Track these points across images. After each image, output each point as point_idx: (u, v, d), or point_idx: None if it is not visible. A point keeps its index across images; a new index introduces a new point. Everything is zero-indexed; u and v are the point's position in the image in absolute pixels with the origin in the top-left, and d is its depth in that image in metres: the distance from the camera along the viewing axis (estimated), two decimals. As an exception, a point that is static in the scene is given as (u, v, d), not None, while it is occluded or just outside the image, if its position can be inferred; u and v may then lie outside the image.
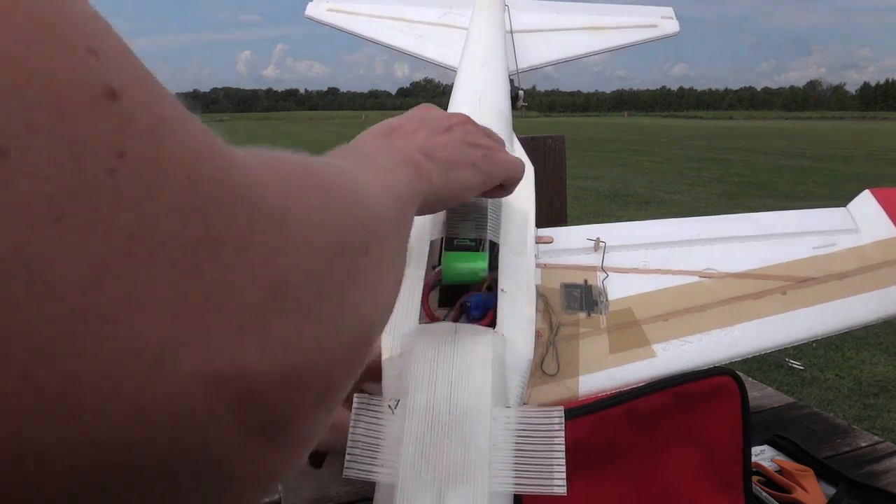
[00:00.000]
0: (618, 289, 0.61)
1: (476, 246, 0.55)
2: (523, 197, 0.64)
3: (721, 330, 0.57)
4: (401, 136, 0.40)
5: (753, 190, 7.21)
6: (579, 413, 0.51)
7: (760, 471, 0.80)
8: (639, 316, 0.58)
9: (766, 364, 2.81)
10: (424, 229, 0.59)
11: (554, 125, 36.40)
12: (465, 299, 0.50)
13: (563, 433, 0.38)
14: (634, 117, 74.95)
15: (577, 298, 0.60)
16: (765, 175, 9.81)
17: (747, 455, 0.59)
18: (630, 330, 0.57)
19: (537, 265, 0.62)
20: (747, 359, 0.57)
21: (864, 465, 0.83)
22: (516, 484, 0.37)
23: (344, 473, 0.37)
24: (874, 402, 2.61)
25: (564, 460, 0.37)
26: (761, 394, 1.03)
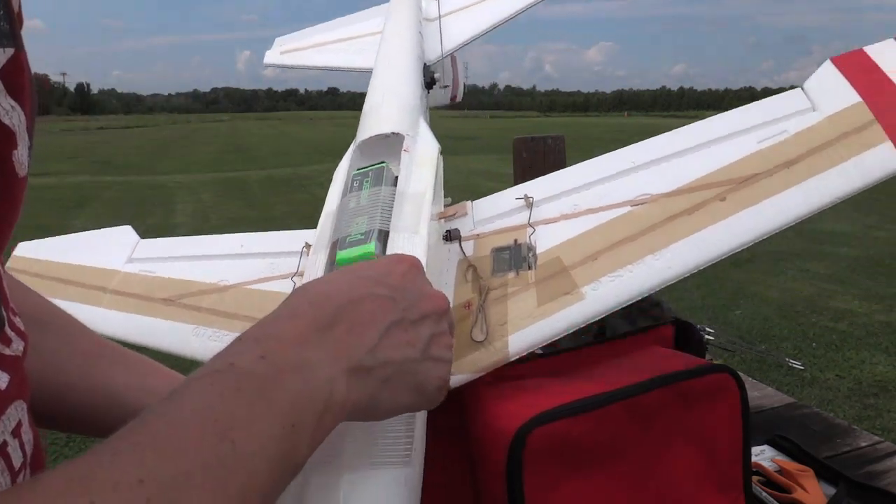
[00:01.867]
0: (548, 240, 0.60)
1: (365, 239, 0.58)
2: (420, 177, 0.66)
3: (653, 256, 0.55)
4: (344, 332, 0.34)
5: (753, 190, 7.18)
6: (579, 410, 0.50)
7: (760, 471, 0.80)
8: (567, 262, 0.57)
9: (766, 364, 2.80)
10: (324, 235, 0.63)
11: (554, 125, 36.38)
12: None
13: None
14: (634, 117, 74.97)
15: (507, 260, 0.60)
16: (765, 175, 9.74)
17: (747, 455, 0.59)
18: (558, 278, 0.57)
19: (468, 237, 0.64)
20: (746, 359, 0.56)
21: (864, 465, 0.83)
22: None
23: None
24: (874, 402, 2.61)
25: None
26: (761, 394, 1.03)
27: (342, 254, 0.57)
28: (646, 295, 0.54)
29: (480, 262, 0.61)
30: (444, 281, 0.62)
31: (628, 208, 0.60)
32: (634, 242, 0.57)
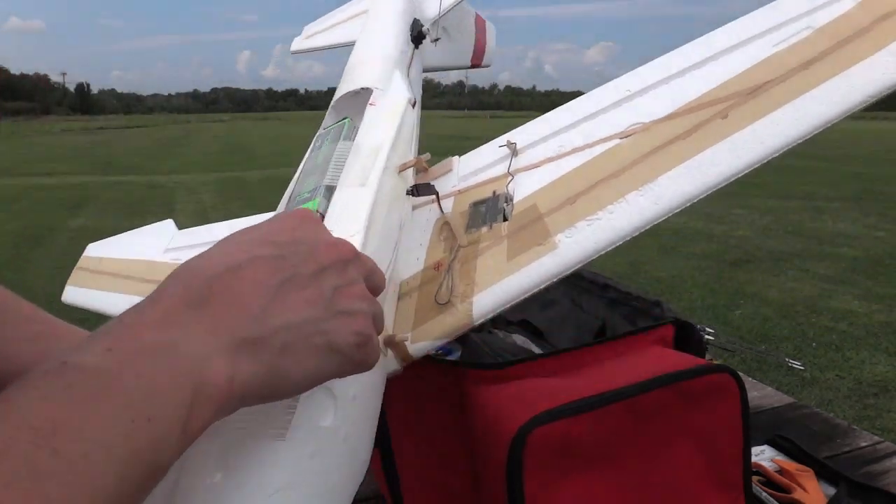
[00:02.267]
0: (527, 187, 0.55)
1: (311, 196, 0.55)
2: (380, 130, 0.62)
3: (638, 192, 0.49)
4: (222, 304, 0.30)
5: (753, 189, 7.20)
6: (580, 410, 0.50)
7: (760, 471, 0.80)
8: (543, 209, 0.52)
9: (766, 364, 2.80)
10: (284, 199, 0.60)
11: (554, 125, 36.19)
12: None
13: None
14: (634, 117, 74.78)
15: (483, 214, 0.56)
16: (765, 175, 9.78)
17: (747, 455, 0.59)
18: (531, 228, 0.51)
19: (448, 194, 0.60)
20: (746, 359, 0.55)
21: (864, 465, 0.83)
22: None
23: None
24: (874, 402, 2.61)
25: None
26: (761, 394, 1.03)
27: None
28: (627, 238, 0.48)
29: (457, 220, 0.57)
30: (419, 241, 0.58)
31: (617, 141, 0.54)
32: (617, 179, 0.51)
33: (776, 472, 0.80)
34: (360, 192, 0.53)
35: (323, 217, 0.51)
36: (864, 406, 2.57)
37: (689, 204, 0.47)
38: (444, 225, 0.57)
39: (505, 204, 0.55)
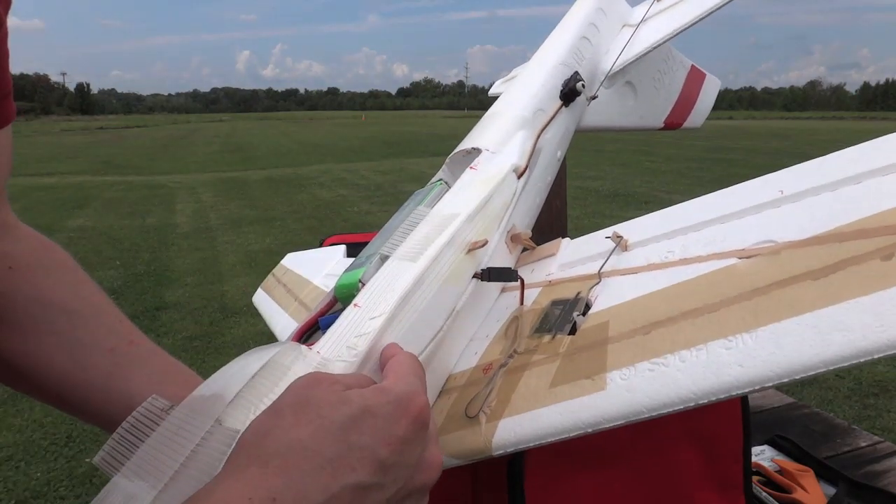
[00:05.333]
0: (610, 297, 0.47)
1: (363, 262, 0.51)
2: (463, 198, 0.56)
3: (725, 342, 0.36)
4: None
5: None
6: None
7: (760, 471, 0.80)
8: (614, 331, 0.43)
9: (766, 364, 2.80)
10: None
11: (554, 125, 36.18)
12: (321, 320, 0.49)
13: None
14: (634, 117, 74.78)
15: (555, 317, 0.48)
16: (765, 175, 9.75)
17: (747, 455, 0.59)
18: (590, 353, 0.43)
19: (537, 284, 0.53)
20: None
21: (864, 465, 0.83)
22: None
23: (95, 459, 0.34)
24: (874, 402, 2.61)
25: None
26: (761, 394, 1.03)
27: (342, 278, 0.50)
28: (688, 406, 0.36)
29: (529, 318, 0.50)
30: (486, 332, 0.52)
31: (734, 260, 0.42)
32: (708, 316, 0.39)
33: (776, 472, 0.80)
34: (406, 267, 0.47)
35: (364, 286, 0.47)
36: (864, 406, 2.57)
37: (782, 381, 0.33)
38: (515, 320, 0.51)
39: (578, 313, 0.47)
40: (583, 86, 0.78)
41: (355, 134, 25.68)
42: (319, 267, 0.99)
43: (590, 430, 0.39)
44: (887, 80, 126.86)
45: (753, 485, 0.67)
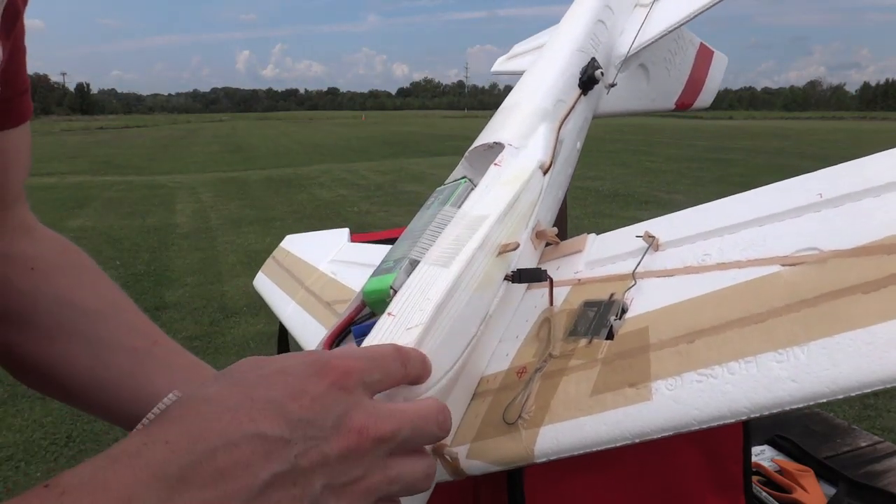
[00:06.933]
0: (648, 301, 0.45)
1: (393, 267, 0.49)
2: (492, 198, 0.55)
3: (776, 356, 0.35)
4: (198, 486, 0.26)
5: (753, 190, 7.18)
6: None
7: (760, 471, 0.80)
8: (654, 338, 0.41)
9: (766, 364, 2.80)
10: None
11: (554, 125, 36.17)
12: (353, 328, 0.48)
13: None
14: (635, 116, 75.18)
15: (589, 320, 0.47)
16: (765, 175, 9.78)
17: (747, 455, 0.59)
18: (631, 359, 0.41)
19: (565, 282, 0.52)
20: None
21: (864, 465, 0.83)
22: None
23: None
24: (874, 402, 2.61)
25: None
26: (761, 394, 1.03)
27: (369, 284, 0.49)
28: (741, 419, 0.35)
29: (561, 319, 0.48)
30: (516, 332, 0.50)
31: (777, 268, 0.40)
32: (757, 327, 0.37)
33: (776, 472, 0.80)
34: (440, 274, 0.46)
35: (395, 293, 0.46)
36: (864, 406, 2.57)
37: (841, 396, 0.32)
38: (546, 322, 0.49)
39: (614, 317, 0.45)
40: (601, 73, 0.76)
41: (355, 134, 25.69)
42: (322, 251, 0.98)
43: (637, 441, 0.38)
44: (887, 80, 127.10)
45: (753, 485, 0.67)
